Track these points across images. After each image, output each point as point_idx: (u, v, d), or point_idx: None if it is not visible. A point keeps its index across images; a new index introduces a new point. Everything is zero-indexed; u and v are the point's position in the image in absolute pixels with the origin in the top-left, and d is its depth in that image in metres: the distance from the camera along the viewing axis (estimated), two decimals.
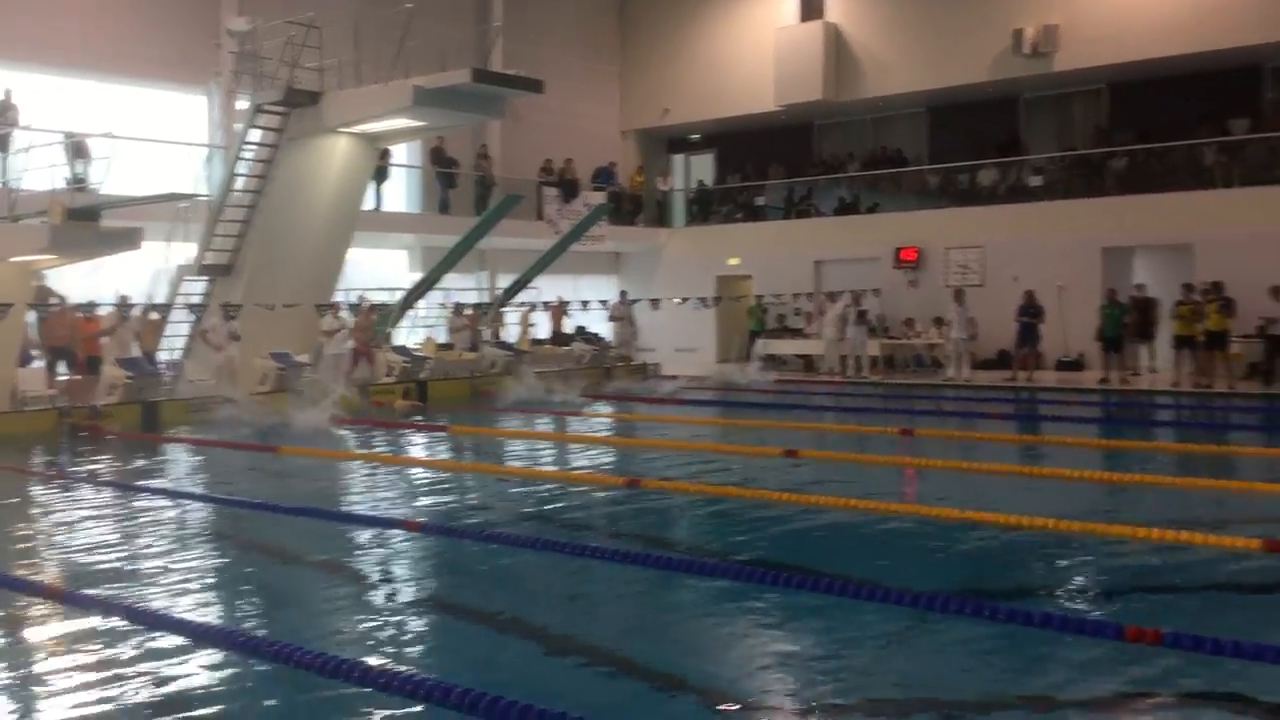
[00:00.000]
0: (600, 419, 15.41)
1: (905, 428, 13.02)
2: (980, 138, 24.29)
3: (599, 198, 24.64)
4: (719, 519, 8.36)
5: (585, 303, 21.73)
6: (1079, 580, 6.42)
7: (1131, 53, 21.46)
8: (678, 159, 29.70)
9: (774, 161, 27.07)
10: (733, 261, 25.92)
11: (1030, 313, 19.85)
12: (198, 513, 8.85)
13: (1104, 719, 4.28)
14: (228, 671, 4.89)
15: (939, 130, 25.43)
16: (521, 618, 5.67)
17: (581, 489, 9.48)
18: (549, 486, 9.68)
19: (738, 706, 4.44)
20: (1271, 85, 21.74)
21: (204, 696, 4.61)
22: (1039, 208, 22.29)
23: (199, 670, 4.91)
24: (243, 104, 17.32)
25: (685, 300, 22.44)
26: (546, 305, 22.07)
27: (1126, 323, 18.87)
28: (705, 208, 28.12)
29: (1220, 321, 17.66)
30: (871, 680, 4.73)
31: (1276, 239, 18.86)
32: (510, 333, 21.77)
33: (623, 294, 24.21)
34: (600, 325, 23.53)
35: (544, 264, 21.32)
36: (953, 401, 17.38)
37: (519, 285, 21.69)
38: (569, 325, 22.87)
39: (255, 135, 16.76)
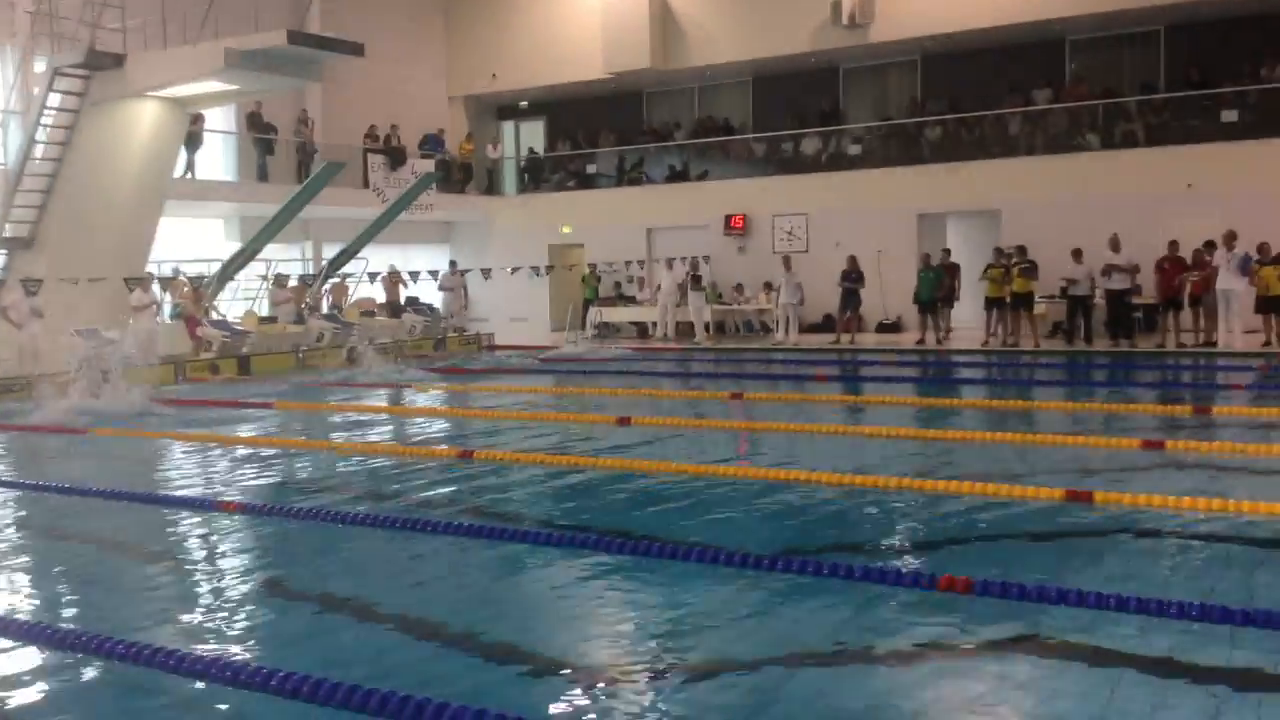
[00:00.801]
0: (433, 391, 15.21)
1: (736, 392, 13.31)
2: (803, 107, 24.89)
3: (427, 165, 24.21)
4: (555, 488, 8.38)
5: (415, 274, 21.34)
6: (899, 534, 6.70)
7: (942, 25, 22.34)
8: (507, 126, 29.41)
9: (604, 129, 27.11)
10: (565, 230, 25.91)
11: (852, 278, 20.56)
12: (3, 501, 8.32)
13: (920, 666, 4.49)
14: (46, 670, 4.65)
15: (763, 99, 25.94)
16: (358, 597, 5.56)
17: (415, 463, 9.34)
18: (381, 462, 9.51)
19: (582, 675, 4.47)
20: (1072, 57, 22.99)
21: (21, 697, 4.35)
22: (859, 175, 23.05)
23: (14, 670, 4.63)
24: (41, 66, 16.26)
25: (517, 270, 22.30)
26: (372, 276, 21.60)
27: (944, 284, 19.77)
28: (536, 176, 27.97)
29: (1025, 284, 18.66)
30: (707, 641, 4.84)
31: (1077, 204, 20.04)
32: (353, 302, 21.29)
33: (453, 264, 23.90)
34: (431, 295, 23.17)
35: (371, 233, 20.81)
36: (782, 365, 17.85)
37: (346, 255, 21.12)
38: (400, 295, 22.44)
39: (55, 100, 15.76)
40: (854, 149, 24.04)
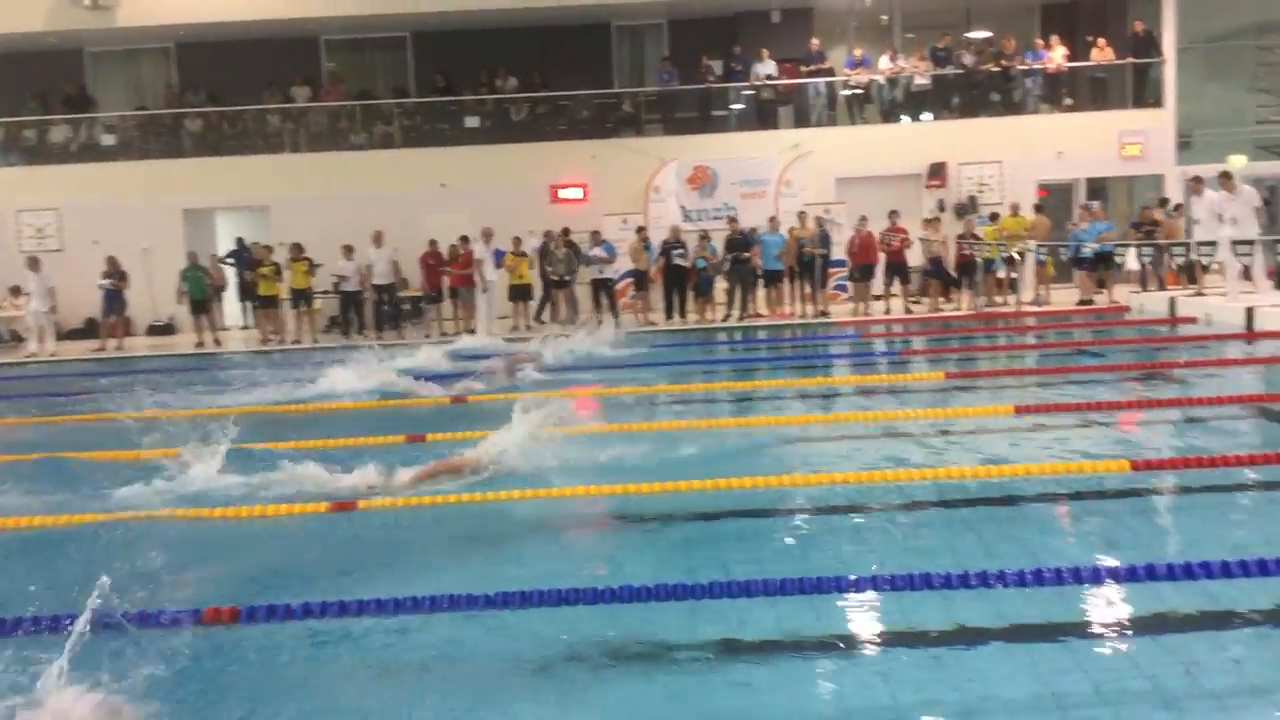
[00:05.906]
0: None
1: None
2: (45, 90, 22.54)
3: None
4: None
5: None
6: (172, 569, 6.33)
7: (193, 14, 21.61)
8: None
9: None
10: None
11: (114, 278, 19.19)
12: None
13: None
14: None
15: None
16: None
17: None
18: None
19: None
20: (329, 57, 23.59)
21: None
22: (115, 167, 21.56)
23: None
24: None
25: None
26: None
27: (208, 284, 19.27)
28: None
29: (305, 280, 18.93)
30: None
31: (345, 201, 20.66)
32: None
33: None
34: None
35: None
36: (37, 380, 16.03)
37: None
38: None
39: None
40: (108, 139, 22.35)
